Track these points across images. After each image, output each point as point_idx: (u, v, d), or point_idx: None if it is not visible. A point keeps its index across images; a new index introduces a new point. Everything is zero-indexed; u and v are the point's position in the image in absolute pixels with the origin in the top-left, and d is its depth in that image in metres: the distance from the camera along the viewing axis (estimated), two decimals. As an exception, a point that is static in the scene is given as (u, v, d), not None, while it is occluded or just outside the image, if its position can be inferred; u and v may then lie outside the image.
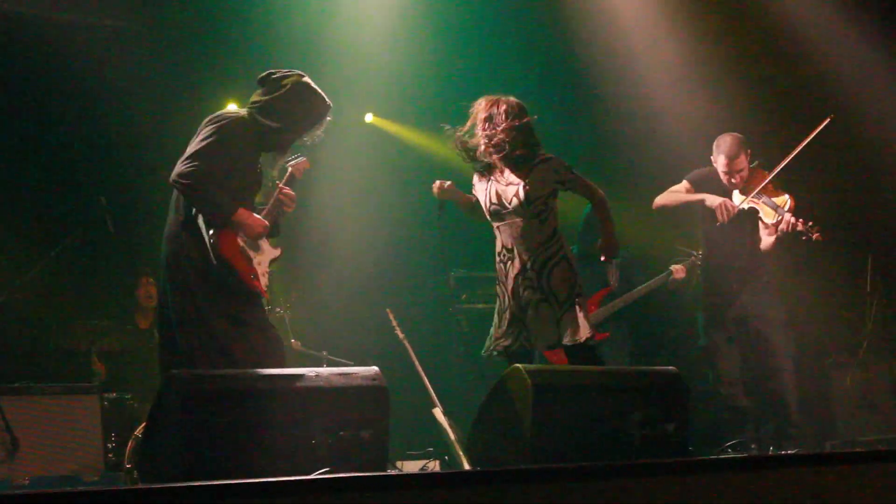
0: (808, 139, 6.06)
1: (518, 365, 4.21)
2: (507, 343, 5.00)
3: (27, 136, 7.52)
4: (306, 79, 4.77)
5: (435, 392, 6.56)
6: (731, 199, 6.11)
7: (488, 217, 5.11)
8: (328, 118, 4.81)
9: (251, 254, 4.68)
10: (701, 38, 7.50)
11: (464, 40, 8.11)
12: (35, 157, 7.54)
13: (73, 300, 7.23)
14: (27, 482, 5.14)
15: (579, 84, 8.08)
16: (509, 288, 5.01)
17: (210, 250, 4.54)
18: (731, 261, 6.24)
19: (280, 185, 4.87)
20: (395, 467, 6.14)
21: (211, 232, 4.55)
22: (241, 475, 3.30)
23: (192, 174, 4.51)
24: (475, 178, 5.18)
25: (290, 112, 4.71)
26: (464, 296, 7.82)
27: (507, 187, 5.00)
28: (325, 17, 7.80)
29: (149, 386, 5.99)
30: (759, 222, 6.12)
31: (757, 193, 6.07)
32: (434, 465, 6.48)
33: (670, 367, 4.55)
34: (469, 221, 5.40)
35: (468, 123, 5.06)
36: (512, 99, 5.03)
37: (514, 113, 4.96)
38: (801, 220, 5.98)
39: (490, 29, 8.07)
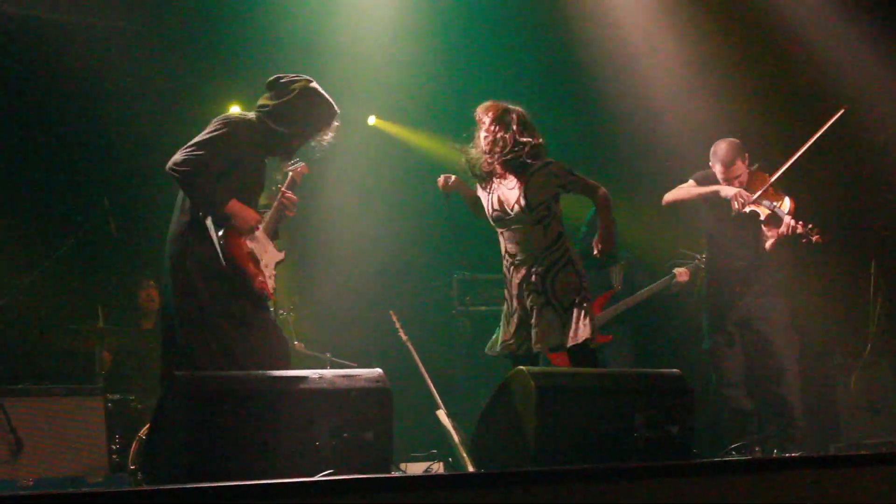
0: (822, 131, 6.04)
1: (522, 367, 4.22)
2: (513, 347, 5.01)
3: (29, 137, 7.53)
4: (314, 84, 4.79)
5: (438, 394, 6.56)
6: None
7: (492, 223, 5.12)
8: (336, 123, 4.83)
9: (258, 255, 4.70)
10: (702, 39, 7.50)
11: (466, 42, 8.11)
12: (37, 159, 7.54)
13: (75, 302, 7.23)
14: (31, 483, 5.14)
15: (580, 84, 8.07)
16: (514, 293, 5.02)
17: (219, 251, 4.55)
18: (734, 263, 6.24)
19: (282, 190, 4.89)
20: (398, 469, 6.13)
21: (220, 233, 4.56)
22: (245, 477, 3.30)
23: (188, 161, 4.52)
24: (478, 189, 5.19)
25: (298, 117, 4.73)
26: (467, 298, 7.81)
27: (509, 193, 5.01)
28: (328, 18, 7.80)
29: (152, 387, 5.99)
30: (761, 225, 6.13)
31: (758, 197, 6.07)
32: (438, 467, 6.47)
33: (674, 370, 4.55)
34: (471, 223, 5.41)
35: (477, 132, 5.08)
36: (519, 108, 5.06)
37: (524, 122, 5.01)
38: (800, 222, 5.98)
39: (492, 30, 8.07)
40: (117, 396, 6.33)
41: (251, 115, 4.81)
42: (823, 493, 3.58)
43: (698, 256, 6.82)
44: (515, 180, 5.02)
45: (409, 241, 8.34)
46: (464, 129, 5.17)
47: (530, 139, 4.99)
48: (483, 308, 7.60)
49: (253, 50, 7.69)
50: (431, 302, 8.23)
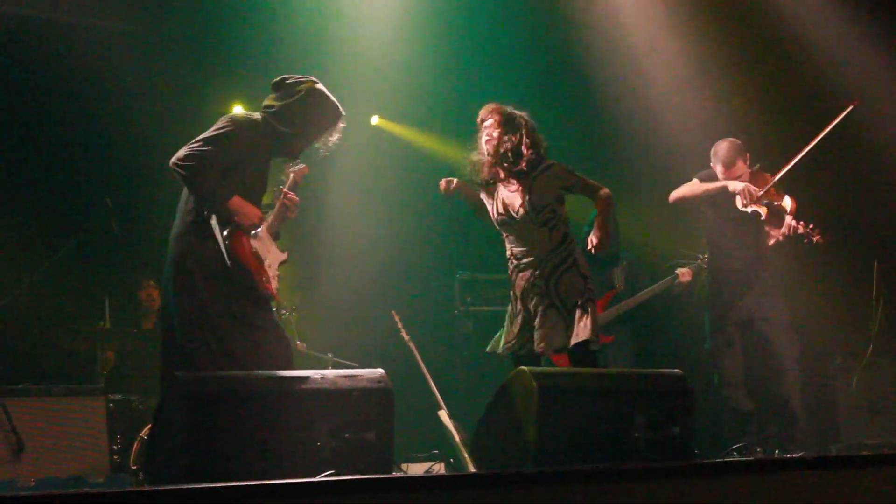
0: (831, 126, 6.01)
1: (523, 367, 4.22)
2: (515, 347, 5.02)
3: (30, 137, 7.53)
4: (320, 85, 4.79)
5: (440, 394, 6.56)
6: (733, 203, 6.10)
7: (497, 227, 5.13)
8: (341, 125, 4.84)
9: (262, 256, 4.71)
10: (702, 39, 7.50)
11: (468, 42, 8.11)
12: (38, 159, 7.54)
13: (76, 302, 7.23)
14: (33, 483, 5.13)
15: (581, 84, 8.07)
16: (519, 294, 5.03)
17: (224, 251, 4.55)
18: (734, 263, 6.23)
19: (284, 191, 4.89)
20: (399, 469, 6.13)
21: (225, 233, 4.56)
22: (246, 477, 3.30)
23: (192, 156, 4.52)
24: (481, 192, 5.19)
25: (303, 118, 4.73)
26: (469, 298, 7.82)
27: (514, 196, 5.02)
28: (330, 19, 7.80)
29: (154, 387, 5.99)
30: (762, 225, 6.12)
31: (763, 194, 6.06)
32: (439, 468, 6.47)
33: (675, 370, 4.55)
34: (473, 224, 5.41)
35: (479, 134, 5.08)
36: (525, 114, 5.07)
37: (532, 129, 5.02)
38: (801, 222, 5.98)
39: (494, 30, 8.07)
40: (119, 396, 6.33)
41: (257, 115, 4.82)
42: (824, 494, 3.58)
43: (700, 256, 6.81)
44: (519, 184, 5.02)
45: (412, 241, 8.33)
46: (466, 130, 5.17)
47: (537, 147, 5.00)
48: (485, 308, 7.61)
49: (255, 50, 7.69)
50: (433, 302, 8.24)
